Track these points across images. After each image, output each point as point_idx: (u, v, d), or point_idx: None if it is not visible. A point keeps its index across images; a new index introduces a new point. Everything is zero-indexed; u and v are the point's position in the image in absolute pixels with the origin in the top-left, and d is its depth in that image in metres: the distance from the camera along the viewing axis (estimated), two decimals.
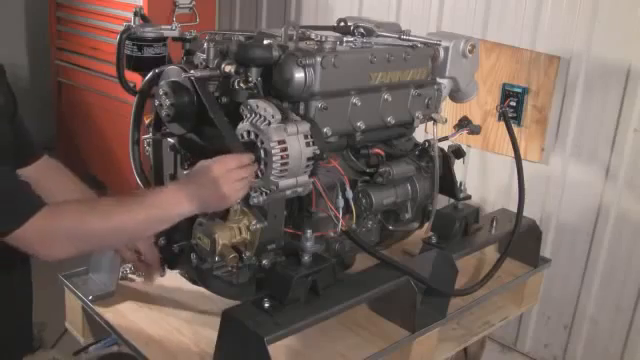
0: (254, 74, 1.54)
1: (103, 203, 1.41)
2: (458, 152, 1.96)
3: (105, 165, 3.96)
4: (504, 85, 2.86)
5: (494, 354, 3.00)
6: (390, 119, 1.74)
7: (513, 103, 2.82)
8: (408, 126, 1.86)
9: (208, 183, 1.38)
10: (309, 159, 1.48)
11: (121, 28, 1.71)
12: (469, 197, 1.98)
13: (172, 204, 1.38)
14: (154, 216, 1.38)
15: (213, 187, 1.37)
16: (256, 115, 1.45)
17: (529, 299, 2.10)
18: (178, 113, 1.56)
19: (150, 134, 1.72)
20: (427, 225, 1.93)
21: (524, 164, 2.03)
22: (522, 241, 1.99)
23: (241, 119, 1.48)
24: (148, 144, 1.74)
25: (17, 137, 1.58)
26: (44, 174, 1.64)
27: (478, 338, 1.94)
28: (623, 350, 2.75)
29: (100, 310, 1.71)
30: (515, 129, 2.16)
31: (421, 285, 1.68)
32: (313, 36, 1.64)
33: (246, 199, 1.49)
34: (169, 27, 1.71)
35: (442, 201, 1.93)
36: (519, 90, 2.81)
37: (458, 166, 1.96)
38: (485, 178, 3.05)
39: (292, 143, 1.44)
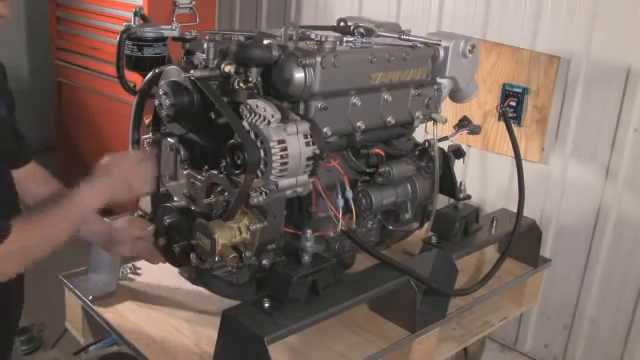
0: (254, 74, 1.54)
1: (47, 215, 1.45)
2: (458, 152, 1.96)
3: None
4: (504, 85, 2.86)
5: (494, 354, 3.00)
6: (390, 119, 1.74)
7: (513, 103, 2.82)
8: (408, 126, 1.86)
9: (118, 177, 1.52)
10: (309, 159, 1.47)
11: (121, 28, 1.71)
12: (469, 197, 1.98)
13: (89, 203, 1.48)
14: (77, 218, 1.48)
15: (123, 181, 1.52)
16: (255, 115, 1.44)
17: (529, 299, 2.10)
18: (178, 113, 1.56)
19: (150, 134, 1.72)
20: (427, 225, 1.93)
21: (524, 164, 2.03)
22: (522, 241, 1.99)
23: (241, 119, 1.48)
24: (148, 144, 1.73)
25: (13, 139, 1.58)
26: (30, 177, 1.66)
27: (478, 338, 1.94)
28: (623, 350, 2.75)
29: (100, 310, 1.71)
30: (515, 129, 2.16)
31: (421, 285, 1.68)
32: (313, 36, 1.64)
33: (246, 199, 1.49)
34: (169, 27, 1.71)
35: (442, 201, 1.93)
36: (519, 90, 2.81)
37: (458, 166, 1.96)
38: (485, 178, 3.05)
39: (292, 143, 1.44)
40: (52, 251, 1.44)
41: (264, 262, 1.55)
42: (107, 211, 1.72)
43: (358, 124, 1.66)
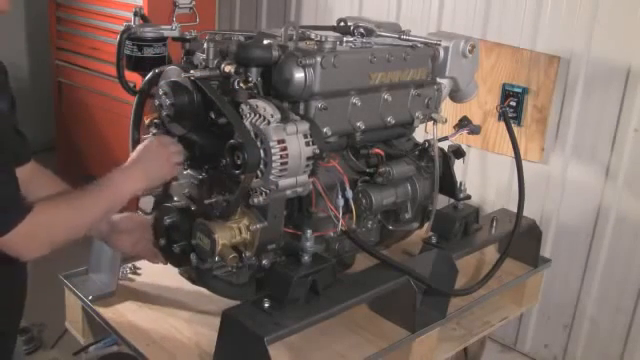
0: (254, 74, 1.54)
1: (74, 197, 1.48)
2: (458, 152, 1.95)
3: (105, 165, 3.95)
4: (504, 85, 2.86)
5: (494, 354, 3.00)
6: (390, 119, 1.74)
7: (513, 103, 2.82)
8: (408, 126, 1.86)
9: (151, 161, 1.56)
10: (309, 159, 1.47)
11: (121, 28, 1.71)
12: (469, 197, 1.98)
13: (127, 187, 1.53)
14: (114, 201, 1.52)
15: (156, 164, 1.57)
16: (255, 115, 1.45)
17: (529, 299, 2.10)
18: (178, 113, 1.56)
19: (150, 134, 1.72)
20: (427, 225, 1.93)
21: (524, 164, 2.03)
22: (522, 241, 1.99)
23: (240, 119, 1.48)
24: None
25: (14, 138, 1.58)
26: (32, 177, 1.65)
27: (478, 338, 1.94)
28: (623, 350, 2.75)
29: (100, 310, 1.71)
30: (515, 129, 2.16)
31: (421, 285, 1.68)
32: (313, 36, 1.64)
33: (246, 199, 1.49)
34: (169, 27, 1.71)
35: (442, 201, 1.92)
36: (519, 90, 2.81)
37: (458, 166, 1.96)
38: (485, 178, 3.05)
39: (291, 142, 1.44)
40: (80, 235, 1.46)
41: (264, 262, 1.54)
42: None
43: (358, 124, 1.66)
